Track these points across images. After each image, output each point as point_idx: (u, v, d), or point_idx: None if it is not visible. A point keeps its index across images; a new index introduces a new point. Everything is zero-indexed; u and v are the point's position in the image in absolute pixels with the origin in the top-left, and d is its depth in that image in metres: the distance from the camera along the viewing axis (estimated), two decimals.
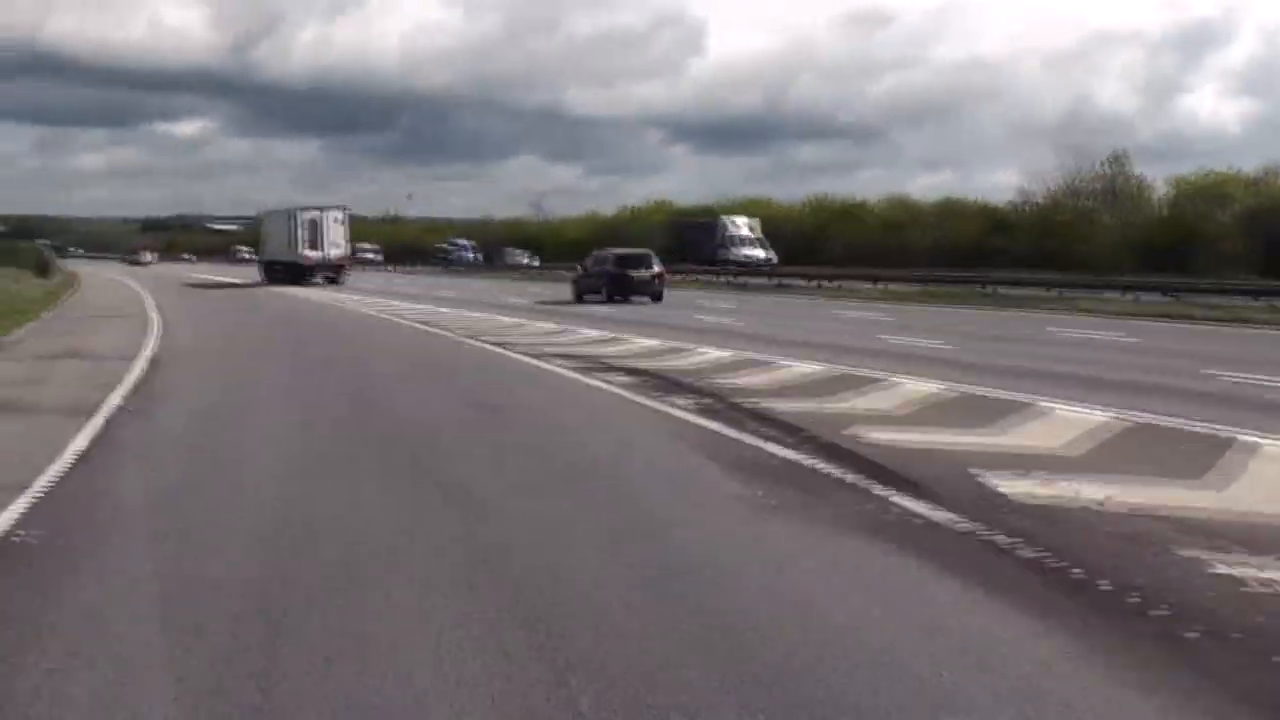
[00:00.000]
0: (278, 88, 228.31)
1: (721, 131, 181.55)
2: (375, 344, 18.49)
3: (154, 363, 14.20)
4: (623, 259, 32.05)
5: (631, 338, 17.30)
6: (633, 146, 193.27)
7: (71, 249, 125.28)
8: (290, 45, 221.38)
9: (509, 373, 13.55)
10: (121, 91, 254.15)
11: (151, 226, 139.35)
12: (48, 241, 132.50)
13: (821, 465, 7.08)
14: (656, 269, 31.77)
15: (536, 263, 67.08)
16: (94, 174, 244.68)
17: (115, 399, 10.40)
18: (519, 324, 21.43)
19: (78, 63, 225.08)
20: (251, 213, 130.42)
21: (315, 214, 47.79)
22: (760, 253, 52.25)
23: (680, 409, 9.72)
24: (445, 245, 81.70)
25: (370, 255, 75.86)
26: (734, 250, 52.16)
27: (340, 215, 48.58)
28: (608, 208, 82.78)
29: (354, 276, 49.16)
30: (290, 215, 48.78)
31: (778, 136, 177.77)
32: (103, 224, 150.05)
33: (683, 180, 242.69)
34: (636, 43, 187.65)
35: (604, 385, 11.57)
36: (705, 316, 23.39)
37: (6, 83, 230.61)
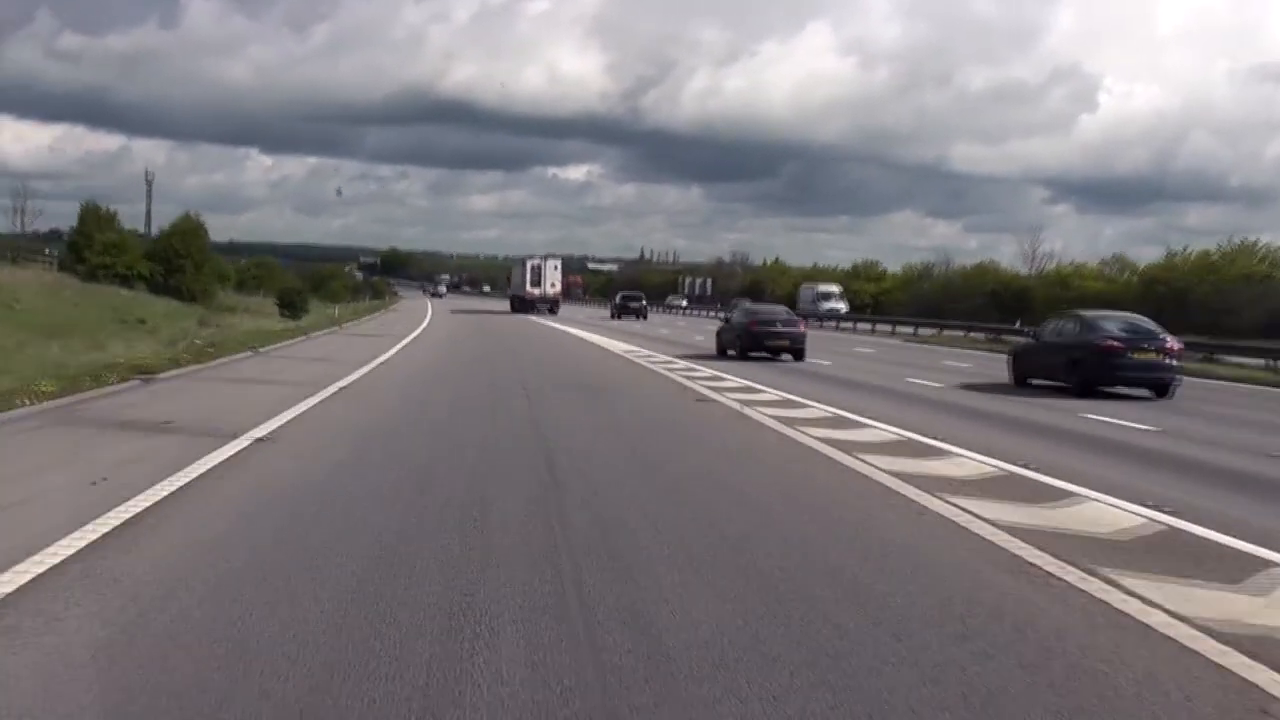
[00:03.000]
0: (664, 134, 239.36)
1: (1106, 191, 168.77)
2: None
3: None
4: (626, 296, 64.78)
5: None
6: (1014, 204, 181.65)
7: (451, 285, 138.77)
8: (680, 93, 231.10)
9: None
10: (515, 137, 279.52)
11: None
12: (430, 281, 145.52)
13: None
14: (642, 303, 62.07)
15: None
16: (483, 214, 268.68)
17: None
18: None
19: (474, 110, 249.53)
20: (632, 255, 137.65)
21: (538, 261, 63.42)
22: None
23: None
24: None
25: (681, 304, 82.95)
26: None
27: (556, 263, 64.50)
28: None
29: None
30: (523, 262, 64.78)
31: (1163, 197, 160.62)
32: (481, 261, 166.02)
33: (1064, 240, 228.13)
34: (1028, 98, 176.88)
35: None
36: None
37: (407, 127, 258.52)
